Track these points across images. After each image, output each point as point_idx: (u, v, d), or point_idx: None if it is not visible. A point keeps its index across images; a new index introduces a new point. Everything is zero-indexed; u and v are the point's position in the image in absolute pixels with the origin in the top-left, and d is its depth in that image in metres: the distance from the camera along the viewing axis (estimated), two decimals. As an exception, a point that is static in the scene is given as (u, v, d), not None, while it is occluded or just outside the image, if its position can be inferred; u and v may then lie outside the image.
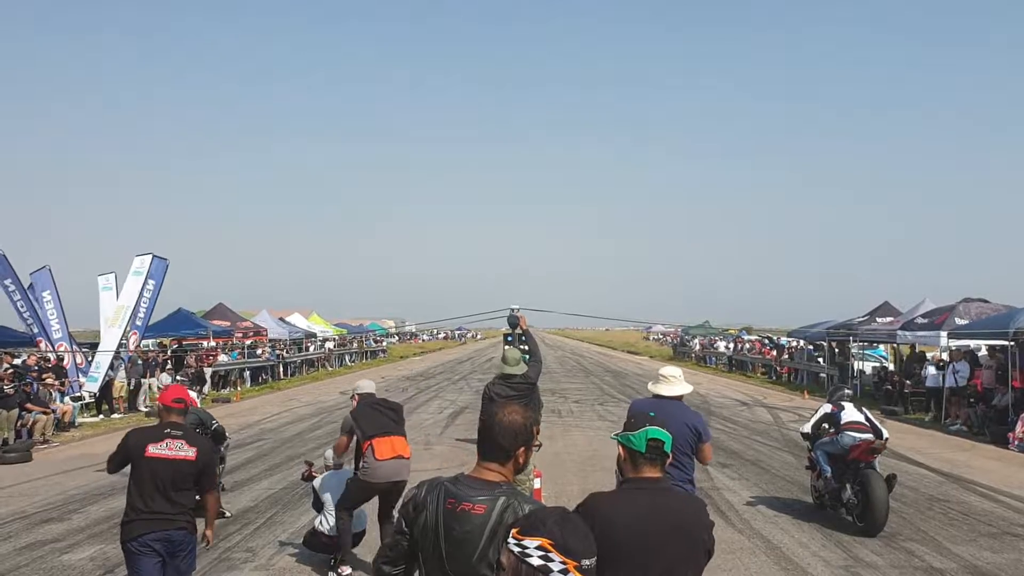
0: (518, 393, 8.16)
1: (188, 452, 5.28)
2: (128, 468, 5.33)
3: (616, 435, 3.34)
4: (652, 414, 3.33)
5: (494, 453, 2.88)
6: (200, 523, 5.49)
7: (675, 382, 6.28)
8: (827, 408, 9.89)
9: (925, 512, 10.06)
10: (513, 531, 2.38)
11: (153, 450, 5.22)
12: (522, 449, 2.90)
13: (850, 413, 9.60)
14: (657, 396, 6.25)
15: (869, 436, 9.30)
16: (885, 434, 9.56)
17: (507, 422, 2.90)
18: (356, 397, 7.56)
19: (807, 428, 10.17)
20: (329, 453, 8.00)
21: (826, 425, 9.82)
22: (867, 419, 9.56)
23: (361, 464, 7.13)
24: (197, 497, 5.47)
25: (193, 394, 10.68)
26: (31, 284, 23.00)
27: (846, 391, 10.30)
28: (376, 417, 7.17)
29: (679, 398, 6.26)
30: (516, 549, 2.33)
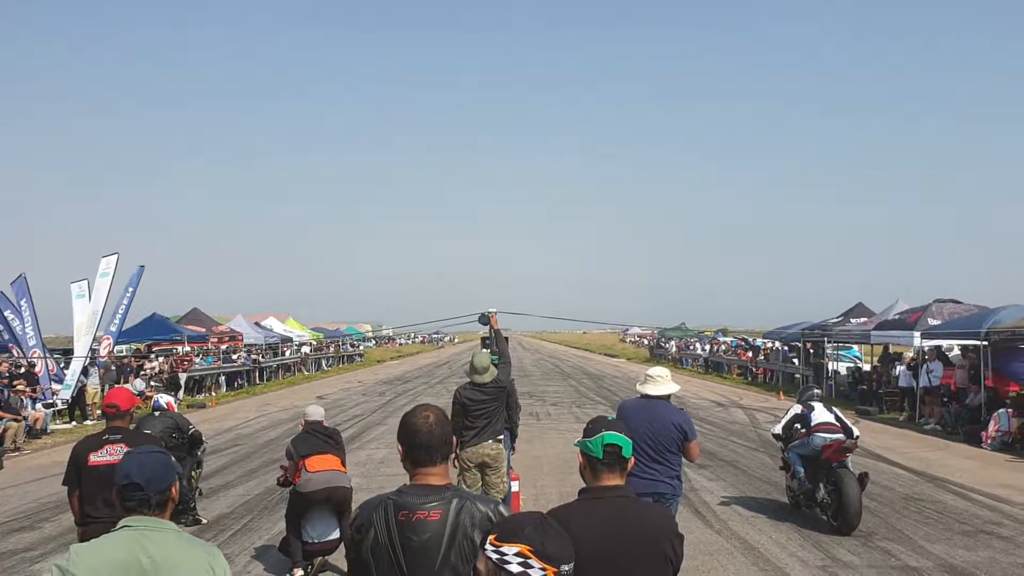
0: (489, 397, 8.07)
1: None
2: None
3: (577, 442, 3.20)
4: (610, 418, 3.24)
5: (437, 454, 2.82)
6: None
7: (662, 382, 6.38)
8: (797, 409, 9.93)
9: (901, 511, 10.13)
10: (491, 537, 2.36)
11: (94, 459, 5.28)
12: (455, 440, 2.90)
13: (820, 414, 9.65)
14: (645, 396, 6.32)
15: (840, 436, 9.35)
16: (856, 433, 9.62)
17: (435, 420, 2.86)
18: (303, 423, 7.84)
19: (778, 429, 10.19)
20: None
21: (798, 425, 9.85)
22: (837, 419, 9.62)
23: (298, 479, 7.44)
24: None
25: (171, 398, 10.61)
26: (1, 293, 22.71)
27: (815, 391, 10.32)
28: (311, 441, 7.56)
29: (666, 398, 6.34)
30: (494, 556, 2.31)
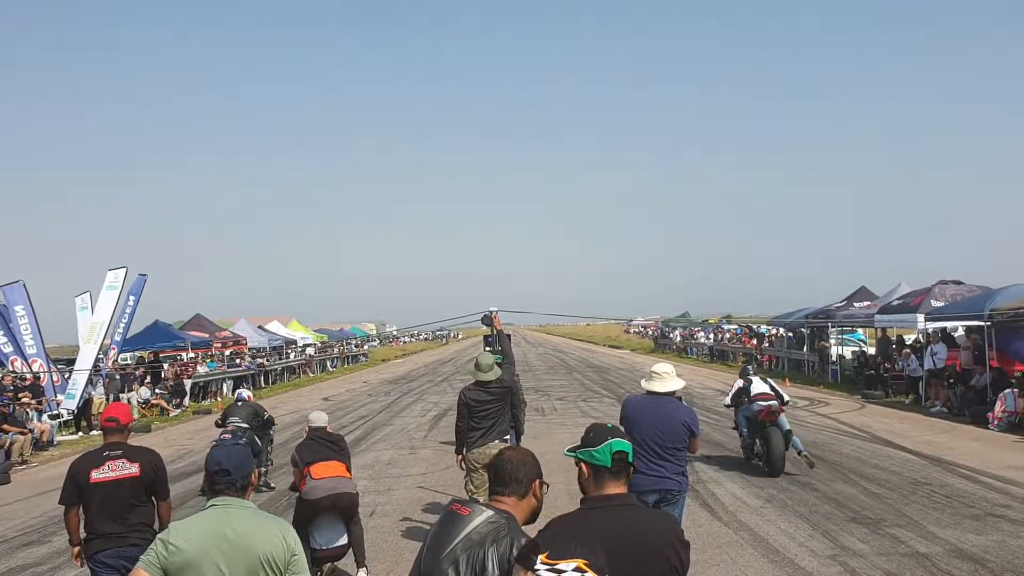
0: (494, 397, 8.02)
1: (131, 469, 5.34)
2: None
3: (573, 451, 3.10)
4: (609, 425, 3.19)
5: (509, 486, 2.99)
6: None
7: (668, 378, 6.39)
8: (740, 383, 12.63)
9: (909, 496, 10.12)
10: (541, 557, 2.47)
11: (96, 476, 5.29)
12: (537, 481, 3.02)
13: (757, 386, 12.28)
14: (651, 393, 6.32)
15: (773, 403, 11.86)
16: (786, 398, 12.53)
17: (519, 456, 3.05)
18: (307, 429, 7.87)
19: (728, 400, 13.00)
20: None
21: (744, 396, 12.32)
22: (771, 388, 12.25)
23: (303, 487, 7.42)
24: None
25: (249, 392, 13.42)
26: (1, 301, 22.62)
27: (750, 368, 13.25)
28: (315, 448, 7.57)
29: (672, 394, 6.34)
30: (551, 574, 2.43)
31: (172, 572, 3.26)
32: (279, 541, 3.36)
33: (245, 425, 11.58)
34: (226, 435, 10.85)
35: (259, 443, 11.60)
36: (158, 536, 3.39)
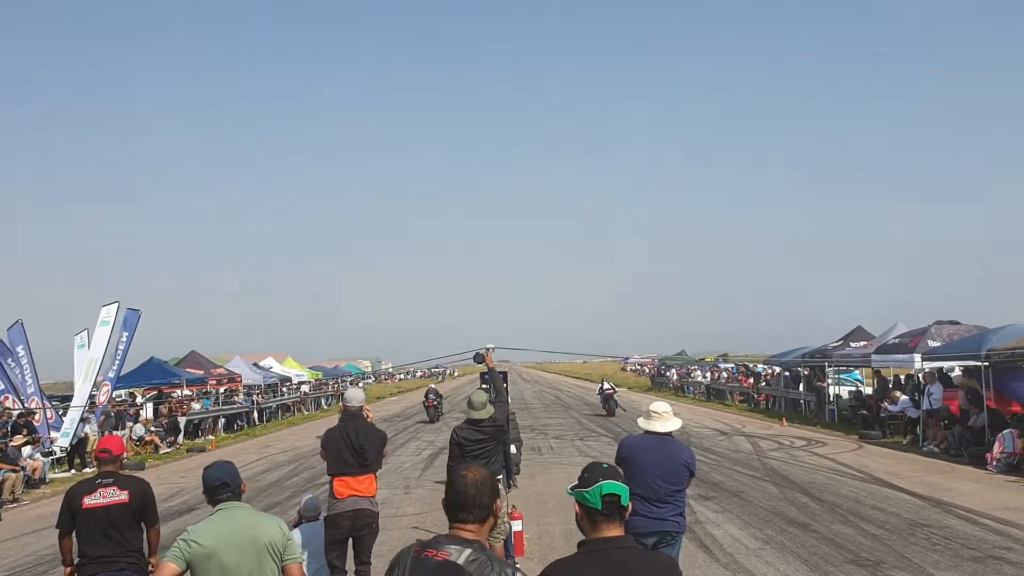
0: (486, 436, 7.92)
1: (121, 496, 5.66)
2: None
3: (571, 490, 3.12)
4: (605, 465, 3.17)
5: (473, 512, 2.90)
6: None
7: (668, 418, 6.31)
8: (599, 387, 33.65)
9: (908, 538, 10.04)
10: None
11: (88, 502, 5.61)
12: (498, 502, 2.97)
13: (606, 386, 33.58)
14: (650, 432, 6.24)
15: (611, 391, 32.95)
16: (616, 390, 34.12)
17: (472, 480, 2.95)
18: (342, 408, 7.69)
19: (597, 392, 34.02)
20: (305, 500, 7.99)
21: (601, 390, 32.25)
22: (611, 386, 33.71)
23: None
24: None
25: (433, 384, 31.93)
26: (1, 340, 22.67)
27: (604, 381, 34.70)
28: (340, 450, 7.28)
29: (670, 434, 6.27)
30: None
31: (195, 563, 4.03)
32: (277, 530, 4.24)
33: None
34: (429, 404, 32.25)
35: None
36: (179, 537, 4.13)
